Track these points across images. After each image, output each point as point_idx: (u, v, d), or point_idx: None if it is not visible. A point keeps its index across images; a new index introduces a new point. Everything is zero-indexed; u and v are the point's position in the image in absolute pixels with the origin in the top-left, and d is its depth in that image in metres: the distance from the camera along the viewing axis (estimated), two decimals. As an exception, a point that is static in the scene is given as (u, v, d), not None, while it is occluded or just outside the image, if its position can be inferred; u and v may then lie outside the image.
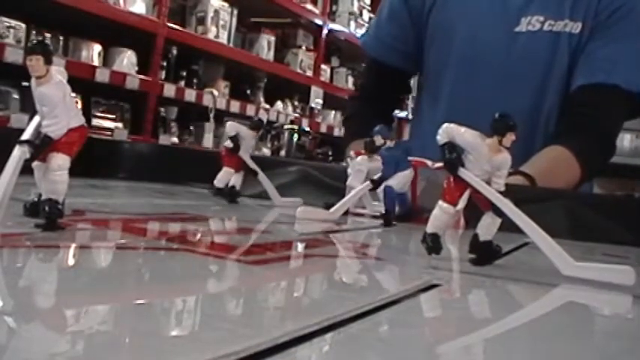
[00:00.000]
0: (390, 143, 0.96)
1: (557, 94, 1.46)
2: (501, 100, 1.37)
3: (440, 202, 0.66)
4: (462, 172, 0.64)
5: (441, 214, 0.66)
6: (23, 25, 2.80)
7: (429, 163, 0.99)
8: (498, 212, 0.64)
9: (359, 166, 1.00)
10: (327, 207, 1.06)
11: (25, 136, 0.57)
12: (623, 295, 0.58)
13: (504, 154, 0.63)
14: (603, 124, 1.45)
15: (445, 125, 0.64)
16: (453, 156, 0.64)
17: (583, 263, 0.60)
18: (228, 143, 1.04)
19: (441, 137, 0.64)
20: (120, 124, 3.32)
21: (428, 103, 1.64)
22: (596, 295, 0.58)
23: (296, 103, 4.70)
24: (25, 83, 0.68)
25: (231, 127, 1.06)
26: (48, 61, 0.56)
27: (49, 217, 0.57)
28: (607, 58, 1.41)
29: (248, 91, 4.25)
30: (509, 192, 0.65)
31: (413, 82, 1.87)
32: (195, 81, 3.75)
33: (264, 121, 1.14)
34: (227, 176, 1.05)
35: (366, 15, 5.25)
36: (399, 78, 1.71)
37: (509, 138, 0.62)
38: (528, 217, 0.62)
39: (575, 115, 1.42)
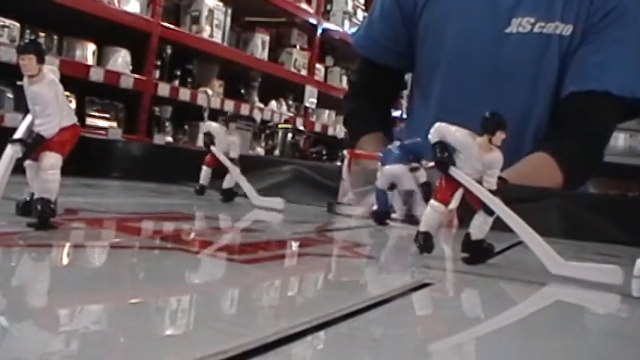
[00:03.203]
0: (397, 143, 0.96)
1: (547, 97, 1.45)
2: (490, 102, 1.36)
3: (432, 201, 0.66)
4: (453, 171, 0.64)
5: (433, 213, 0.66)
6: (17, 25, 2.80)
7: (423, 162, 0.99)
8: (489, 211, 0.64)
9: None
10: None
11: (18, 134, 0.57)
12: (612, 294, 0.58)
13: (495, 152, 0.63)
14: (592, 132, 1.44)
15: (437, 124, 0.65)
16: (444, 155, 0.64)
17: (572, 262, 0.61)
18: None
19: (433, 136, 0.65)
20: (114, 124, 3.32)
21: (420, 102, 1.64)
22: (585, 294, 0.59)
23: (290, 102, 4.69)
24: (19, 82, 0.68)
25: (204, 125, 1.07)
26: (40, 60, 0.56)
27: (41, 216, 0.57)
28: (598, 64, 1.41)
29: (242, 91, 4.25)
30: (503, 191, 0.65)
31: (407, 77, 1.86)
32: (189, 80, 3.75)
33: (232, 114, 1.15)
34: (205, 174, 1.07)
35: (360, 14, 5.25)
36: (391, 76, 1.71)
37: (499, 137, 0.62)
38: (520, 216, 0.63)
39: (565, 123, 1.42)
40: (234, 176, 1.03)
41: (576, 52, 1.42)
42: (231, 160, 1.04)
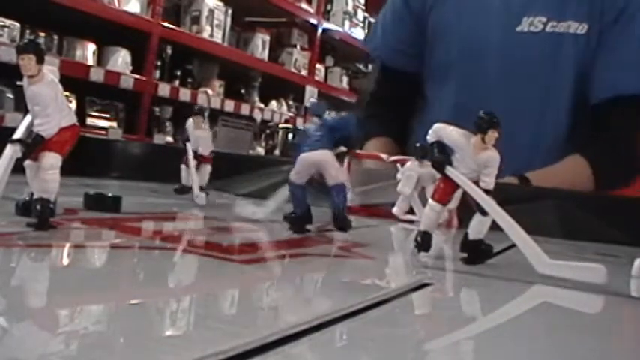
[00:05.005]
0: (317, 121, 0.77)
1: (564, 95, 1.44)
2: (505, 100, 1.35)
3: (430, 201, 0.66)
4: (449, 171, 0.64)
5: (429, 212, 0.66)
6: (17, 25, 2.79)
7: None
8: (482, 211, 0.64)
9: (409, 172, 0.97)
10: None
11: (17, 135, 0.57)
12: (611, 295, 0.58)
13: (489, 152, 0.63)
14: (629, 138, 1.43)
15: (435, 125, 0.65)
16: (440, 155, 0.64)
17: (557, 261, 0.61)
18: None
19: (431, 137, 0.65)
20: (114, 124, 3.31)
21: (432, 102, 1.63)
22: (583, 294, 0.59)
23: (290, 102, 4.69)
24: (19, 82, 0.68)
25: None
26: (40, 61, 0.56)
27: (40, 216, 0.57)
28: (624, 67, 1.40)
29: (242, 91, 4.24)
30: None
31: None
32: (189, 80, 3.75)
33: (204, 106, 1.11)
34: (185, 174, 1.04)
35: (360, 14, 5.24)
36: (410, 80, 1.70)
37: (492, 135, 0.62)
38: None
39: (603, 130, 1.41)
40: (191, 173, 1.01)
41: (598, 53, 1.41)
42: (201, 156, 1.01)
